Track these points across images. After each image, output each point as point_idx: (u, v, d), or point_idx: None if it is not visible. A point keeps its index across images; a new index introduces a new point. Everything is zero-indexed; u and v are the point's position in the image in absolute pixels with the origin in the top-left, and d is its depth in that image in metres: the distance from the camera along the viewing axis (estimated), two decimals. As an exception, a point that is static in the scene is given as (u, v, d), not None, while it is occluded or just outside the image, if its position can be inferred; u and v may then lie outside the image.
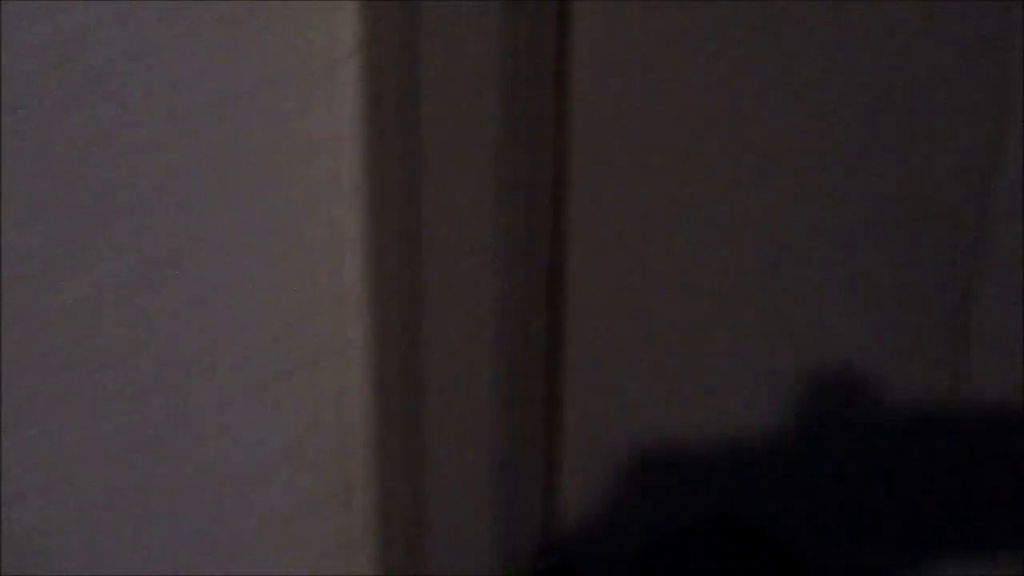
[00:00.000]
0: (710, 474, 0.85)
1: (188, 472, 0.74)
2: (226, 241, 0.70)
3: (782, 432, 0.84)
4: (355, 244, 0.72)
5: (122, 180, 0.66)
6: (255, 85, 0.67)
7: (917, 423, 0.88)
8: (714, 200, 0.79)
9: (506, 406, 0.78)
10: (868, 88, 0.80)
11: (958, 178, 0.84)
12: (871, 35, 0.78)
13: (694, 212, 0.79)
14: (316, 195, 0.71)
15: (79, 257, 0.66)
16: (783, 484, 0.87)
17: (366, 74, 0.68)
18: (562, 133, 0.74)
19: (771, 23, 0.77)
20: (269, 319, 0.73)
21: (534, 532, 0.82)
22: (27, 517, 0.69)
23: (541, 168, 0.75)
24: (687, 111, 0.77)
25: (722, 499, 0.86)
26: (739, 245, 0.81)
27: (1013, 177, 0.83)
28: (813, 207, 0.82)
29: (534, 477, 0.81)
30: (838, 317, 0.85)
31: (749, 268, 0.82)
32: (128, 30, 0.62)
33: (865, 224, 0.83)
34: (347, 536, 0.80)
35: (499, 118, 0.71)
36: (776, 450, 0.85)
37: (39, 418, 0.68)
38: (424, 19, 0.67)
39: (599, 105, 0.75)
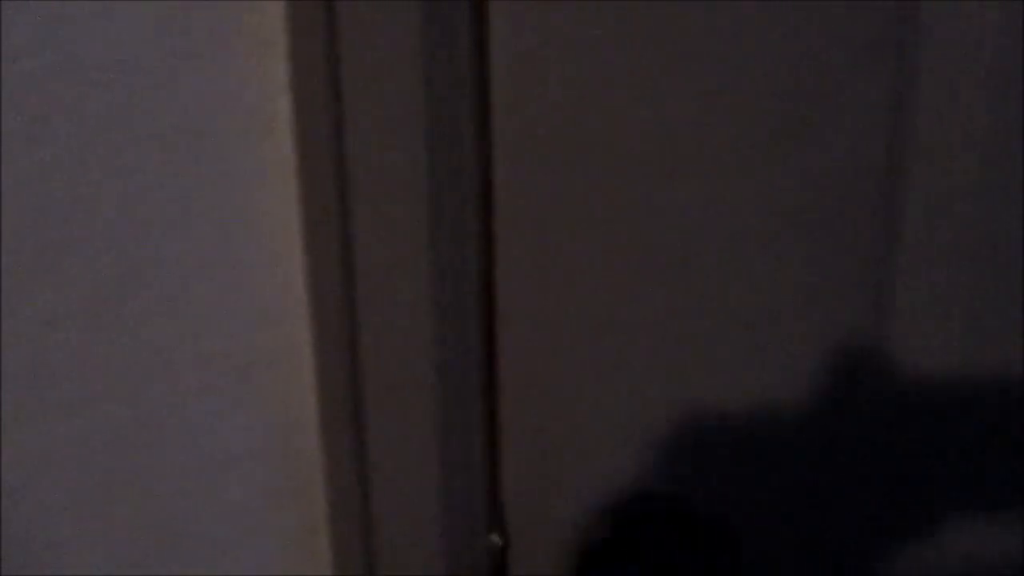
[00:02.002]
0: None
1: (153, 471, 0.81)
2: (185, 254, 0.77)
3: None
4: (298, 261, 0.80)
5: (85, 200, 0.73)
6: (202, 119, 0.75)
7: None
8: (640, 197, 0.81)
9: (445, 402, 0.83)
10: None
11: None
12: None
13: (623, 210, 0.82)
14: (263, 216, 0.78)
15: (50, 269, 0.74)
16: (726, 467, 0.90)
17: (297, 98, 0.75)
18: (486, 136, 0.78)
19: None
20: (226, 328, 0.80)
21: (478, 522, 0.87)
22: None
23: (468, 172, 0.79)
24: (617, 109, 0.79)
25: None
26: (681, 243, 0.83)
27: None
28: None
29: (476, 468, 0.86)
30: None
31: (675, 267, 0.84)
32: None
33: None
34: (305, 528, 0.86)
35: (423, 129, 0.76)
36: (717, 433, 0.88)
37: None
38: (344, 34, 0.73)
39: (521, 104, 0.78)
